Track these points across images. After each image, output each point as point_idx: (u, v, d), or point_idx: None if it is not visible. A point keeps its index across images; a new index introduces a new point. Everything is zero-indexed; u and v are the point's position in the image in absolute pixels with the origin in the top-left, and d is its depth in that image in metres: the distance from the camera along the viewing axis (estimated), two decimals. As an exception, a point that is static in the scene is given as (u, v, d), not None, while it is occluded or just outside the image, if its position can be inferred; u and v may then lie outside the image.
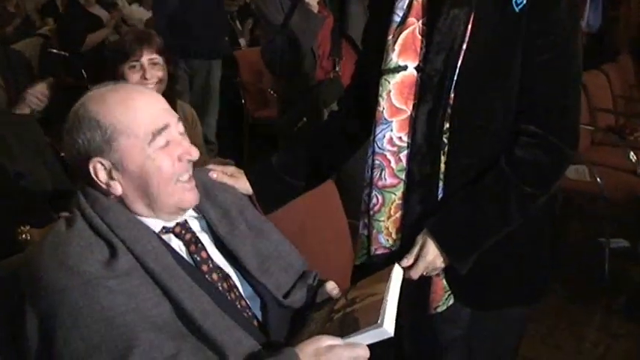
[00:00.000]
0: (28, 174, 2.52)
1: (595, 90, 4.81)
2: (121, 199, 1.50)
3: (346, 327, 1.41)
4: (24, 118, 2.92)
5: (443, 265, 1.72)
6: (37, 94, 3.26)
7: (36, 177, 2.55)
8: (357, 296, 1.51)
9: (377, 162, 1.79)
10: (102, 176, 1.48)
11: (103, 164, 1.47)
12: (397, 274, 1.52)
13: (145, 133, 1.47)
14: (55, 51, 6.38)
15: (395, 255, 1.76)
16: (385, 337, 1.36)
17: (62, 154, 2.90)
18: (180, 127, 1.56)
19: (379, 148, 1.77)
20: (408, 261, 1.70)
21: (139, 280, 1.41)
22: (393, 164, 1.76)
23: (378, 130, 1.77)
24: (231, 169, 1.89)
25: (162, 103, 1.55)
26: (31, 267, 1.43)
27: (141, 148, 1.47)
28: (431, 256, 1.69)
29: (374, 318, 1.37)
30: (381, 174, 1.78)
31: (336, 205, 2.59)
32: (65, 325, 1.35)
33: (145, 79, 2.71)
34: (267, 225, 1.74)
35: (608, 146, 4.61)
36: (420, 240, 1.71)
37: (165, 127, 1.50)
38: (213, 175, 1.76)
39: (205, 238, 1.61)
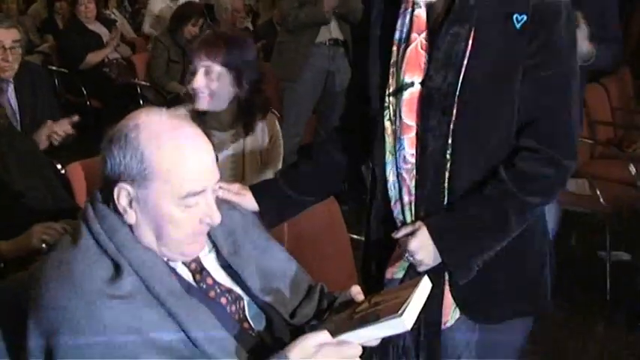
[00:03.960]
0: (27, 192, 2.51)
1: (594, 103, 4.82)
2: (130, 227, 1.48)
3: (365, 322, 1.42)
4: (22, 135, 2.92)
5: (430, 262, 1.73)
6: (60, 132, 3.30)
7: (35, 195, 2.54)
8: (381, 300, 1.52)
9: (397, 180, 1.81)
10: (122, 201, 1.46)
11: (128, 191, 1.45)
12: (425, 285, 1.53)
13: (181, 190, 1.44)
14: (54, 68, 6.39)
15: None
16: (401, 330, 1.38)
17: (62, 171, 2.90)
18: (216, 188, 1.54)
19: (397, 167, 1.79)
20: (396, 234, 1.75)
21: (143, 301, 1.41)
22: (408, 182, 1.78)
23: (396, 149, 1.78)
24: (236, 186, 1.91)
25: (210, 162, 1.51)
26: (34, 283, 1.43)
27: (170, 199, 1.44)
28: (417, 242, 1.71)
29: (395, 311, 1.38)
30: (400, 192, 1.80)
31: (337, 220, 2.60)
32: (67, 342, 1.35)
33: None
34: (273, 243, 1.74)
35: (608, 159, 4.61)
36: (415, 225, 1.74)
37: (201, 192, 1.47)
38: (219, 193, 1.75)
39: (211, 259, 1.61)
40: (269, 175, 2.61)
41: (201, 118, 2.48)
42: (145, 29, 7.51)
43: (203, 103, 2.48)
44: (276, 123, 2.73)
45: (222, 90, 2.48)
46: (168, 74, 5.52)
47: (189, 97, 2.52)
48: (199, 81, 2.45)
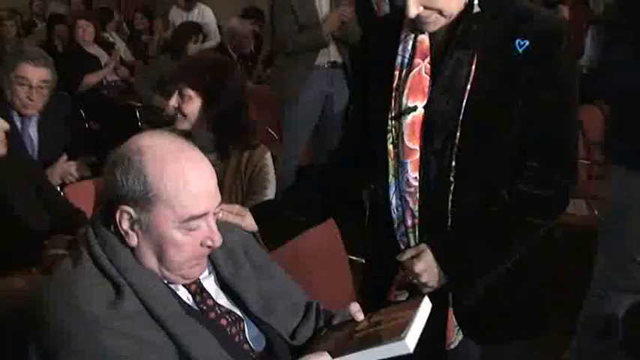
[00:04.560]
0: (26, 216, 2.51)
1: (590, 124, 4.84)
2: (132, 249, 1.49)
3: (367, 343, 1.43)
4: (23, 159, 2.89)
5: (434, 284, 1.75)
6: (75, 174, 3.30)
7: (34, 219, 2.53)
8: (382, 320, 1.53)
9: (400, 203, 1.82)
10: (124, 225, 1.47)
11: (130, 214, 1.46)
12: (426, 306, 1.53)
13: (184, 214, 1.46)
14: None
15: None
16: (404, 352, 1.39)
17: (62, 193, 2.90)
18: (217, 210, 1.56)
19: (400, 190, 1.80)
20: (401, 257, 1.78)
21: (143, 323, 1.41)
22: (411, 205, 1.79)
23: (399, 172, 1.80)
24: (236, 207, 1.93)
25: (212, 185, 1.53)
26: (35, 305, 1.43)
27: (172, 221, 1.45)
28: (422, 265, 1.73)
29: (398, 333, 1.39)
30: (404, 215, 1.81)
31: (336, 241, 2.60)
32: (67, 364, 1.35)
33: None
34: (272, 264, 1.75)
35: (606, 180, 4.62)
36: (419, 247, 1.76)
37: (203, 215, 1.49)
38: (219, 214, 1.76)
39: (211, 281, 1.62)
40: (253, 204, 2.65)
41: (187, 138, 2.53)
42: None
43: (180, 124, 2.62)
44: (266, 157, 2.75)
45: (193, 112, 2.60)
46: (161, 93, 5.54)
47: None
48: (172, 102, 2.60)
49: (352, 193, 2.10)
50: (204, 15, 7.49)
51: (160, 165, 1.45)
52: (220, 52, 6.44)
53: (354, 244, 2.65)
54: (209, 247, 1.52)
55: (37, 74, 3.37)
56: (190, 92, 2.58)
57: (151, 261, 1.49)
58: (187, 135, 2.53)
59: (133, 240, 1.47)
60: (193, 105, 2.59)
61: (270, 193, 2.70)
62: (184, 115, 2.61)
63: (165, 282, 1.52)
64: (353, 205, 2.10)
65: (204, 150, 2.51)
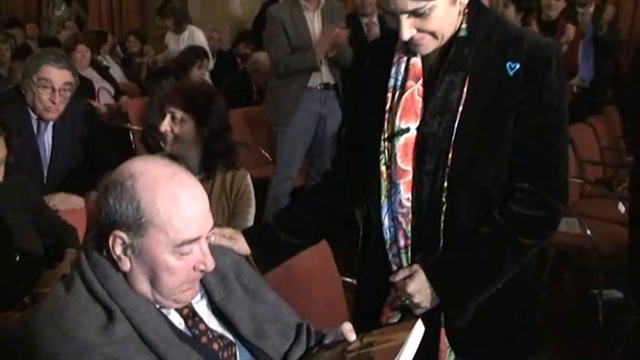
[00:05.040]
0: (19, 244, 2.49)
1: (582, 143, 4.88)
2: (124, 274, 1.49)
3: None
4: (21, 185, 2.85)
5: (427, 305, 1.76)
6: (73, 206, 3.23)
7: (28, 245, 2.51)
8: (374, 341, 1.53)
9: (392, 224, 1.83)
10: (117, 249, 1.47)
11: (123, 240, 1.46)
12: (418, 329, 1.54)
13: (176, 239, 1.46)
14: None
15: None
16: None
17: (57, 211, 2.88)
18: (209, 234, 1.57)
19: (393, 211, 1.81)
20: (393, 277, 1.78)
21: (135, 348, 1.42)
22: (404, 225, 1.80)
23: (391, 193, 1.81)
24: (229, 230, 1.92)
25: (205, 209, 1.53)
26: (26, 330, 1.44)
27: (165, 246, 1.46)
28: (415, 286, 1.74)
29: (391, 356, 1.39)
30: (396, 235, 1.82)
31: (329, 262, 2.60)
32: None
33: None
34: (264, 287, 1.75)
35: (597, 198, 4.65)
36: (412, 268, 1.77)
37: (196, 239, 1.49)
38: (211, 238, 1.76)
39: (203, 305, 1.62)
40: (238, 222, 2.78)
41: (176, 160, 2.60)
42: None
43: (171, 147, 2.76)
44: (247, 178, 2.92)
45: (186, 134, 2.74)
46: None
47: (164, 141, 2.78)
48: (165, 125, 2.74)
49: (345, 214, 2.10)
50: (194, 37, 7.52)
51: (152, 190, 1.46)
52: (242, 79, 6.49)
53: (347, 264, 2.65)
54: (202, 271, 1.52)
55: (60, 76, 3.29)
56: (183, 115, 2.73)
57: (143, 286, 1.49)
58: (177, 157, 2.66)
59: (126, 265, 1.48)
60: (185, 127, 2.74)
61: (252, 212, 2.89)
62: (176, 137, 2.74)
63: (158, 307, 1.52)
64: (346, 226, 2.11)
65: (192, 171, 2.60)
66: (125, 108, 6.33)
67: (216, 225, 2.49)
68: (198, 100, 2.75)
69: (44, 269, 2.47)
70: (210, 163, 2.80)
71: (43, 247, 2.53)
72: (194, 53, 6.03)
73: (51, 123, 3.41)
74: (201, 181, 2.53)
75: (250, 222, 2.86)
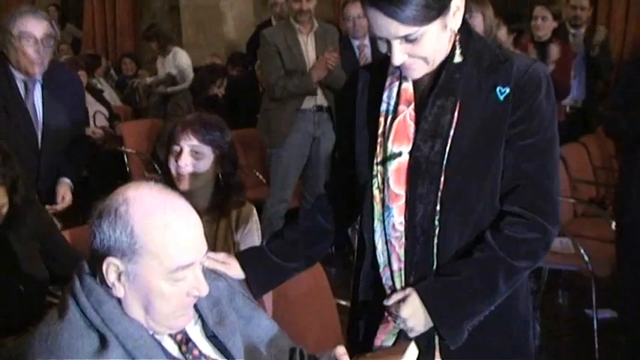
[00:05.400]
0: (25, 271, 2.47)
1: (575, 162, 4.90)
2: (118, 300, 1.50)
3: None
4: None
5: (421, 328, 1.76)
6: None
7: (35, 274, 2.50)
8: None
9: (385, 247, 1.83)
10: (111, 276, 1.47)
11: (117, 266, 1.46)
12: (412, 352, 1.54)
13: (171, 264, 1.46)
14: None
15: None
16: None
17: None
18: (203, 260, 1.57)
19: (386, 234, 1.82)
20: (387, 301, 1.78)
21: None
22: (397, 249, 1.81)
23: (384, 217, 1.81)
24: (222, 255, 1.92)
25: (199, 235, 1.54)
26: (21, 356, 1.44)
27: (159, 273, 1.46)
28: (409, 309, 1.74)
29: None
30: (389, 259, 1.83)
31: (323, 284, 2.61)
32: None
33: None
34: (258, 311, 1.75)
35: (591, 217, 4.66)
36: (405, 291, 1.77)
37: (189, 265, 1.50)
38: (205, 263, 1.75)
39: (197, 330, 1.62)
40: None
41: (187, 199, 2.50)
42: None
43: (187, 184, 2.50)
44: (254, 214, 2.72)
45: (206, 169, 2.51)
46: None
47: (170, 180, 2.52)
48: (185, 160, 2.48)
49: (339, 236, 2.11)
50: (177, 58, 7.59)
51: (146, 216, 1.46)
52: (250, 79, 6.47)
53: (341, 286, 2.66)
54: (196, 296, 1.53)
55: (40, 27, 3.25)
56: (204, 148, 2.50)
57: (137, 312, 1.49)
58: (188, 195, 2.52)
59: (120, 291, 1.48)
60: (207, 161, 2.51)
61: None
62: (195, 174, 2.50)
63: (151, 333, 1.52)
64: (340, 246, 2.13)
65: (201, 210, 2.52)
66: (120, 131, 6.35)
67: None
68: (216, 132, 2.53)
69: (51, 299, 2.46)
70: (222, 201, 2.59)
71: (50, 275, 2.51)
72: (214, 72, 6.04)
73: (38, 84, 3.37)
74: (210, 222, 2.53)
75: None
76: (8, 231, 2.34)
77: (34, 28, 3.24)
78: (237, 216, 2.64)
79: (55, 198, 3.46)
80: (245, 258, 1.94)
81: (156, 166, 5.46)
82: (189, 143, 2.48)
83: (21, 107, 3.34)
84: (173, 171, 2.51)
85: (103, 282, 1.49)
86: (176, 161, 2.48)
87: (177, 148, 2.49)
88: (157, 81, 7.62)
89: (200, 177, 2.51)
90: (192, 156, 2.48)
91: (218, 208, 2.59)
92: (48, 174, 3.47)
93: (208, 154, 2.50)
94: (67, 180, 3.52)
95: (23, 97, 3.35)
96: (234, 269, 1.89)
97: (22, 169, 2.35)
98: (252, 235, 2.65)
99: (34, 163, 3.37)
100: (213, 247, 2.52)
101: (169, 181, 2.51)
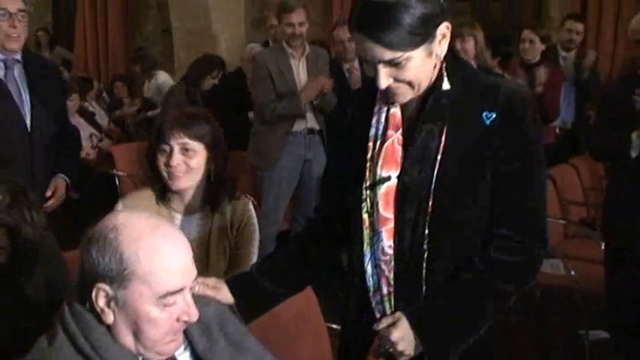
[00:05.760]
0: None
1: (565, 184, 4.92)
2: (108, 326, 1.50)
3: None
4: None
5: (411, 353, 1.76)
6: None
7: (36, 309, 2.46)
8: None
9: (375, 271, 1.84)
10: (100, 302, 1.48)
11: (106, 292, 1.47)
12: None
13: (160, 290, 1.47)
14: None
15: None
16: None
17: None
18: (193, 285, 1.57)
19: (375, 258, 1.83)
20: (377, 326, 1.78)
21: None
22: (387, 273, 1.82)
23: (374, 241, 1.82)
24: (212, 280, 1.93)
25: (188, 260, 1.55)
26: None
27: (148, 298, 1.47)
28: (399, 333, 1.74)
29: None
30: (379, 283, 1.84)
31: (314, 308, 2.60)
32: None
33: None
34: (248, 337, 1.75)
35: (582, 238, 4.68)
36: (395, 316, 1.78)
37: (179, 290, 1.51)
38: (195, 288, 1.76)
39: (186, 356, 1.62)
40: (242, 257, 2.58)
41: (165, 201, 2.50)
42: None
43: (181, 183, 2.44)
44: (250, 208, 2.64)
45: (199, 167, 2.45)
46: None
47: (157, 180, 2.48)
48: (177, 159, 2.41)
49: (330, 260, 2.11)
50: (158, 79, 7.70)
51: (135, 241, 1.47)
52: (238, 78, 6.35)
53: (332, 310, 2.65)
54: (185, 322, 1.53)
55: (12, 2, 3.28)
56: (195, 145, 2.43)
57: (126, 338, 1.49)
58: (168, 197, 2.50)
59: (109, 317, 1.48)
60: (200, 158, 2.45)
61: (256, 244, 2.64)
62: (188, 171, 2.44)
63: (141, 359, 1.52)
64: (331, 270, 2.11)
65: (193, 210, 2.53)
66: (108, 148, 6.36)
67: (218, 266, 2.47)
68: (204, 126, 2.46)
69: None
70: (215, 197, 2.52)
71: (50, 303, 2.47)
72: (210, 62, 5.94)
73: (18, 65, 3.38)
74: (204, 219, 2.52)
75: (255, 256, 2.64)
76: (18, 275, 2.22)
77: (8, 3, 3.27)
78: (233, 211, 2.58)
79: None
80: (235, 283, 1.94)
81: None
82: (178, 141, 2.41)
83: (1, 87, 3.31)
84: (164, 172, 2.44)
85: (92, 308, 1.49)
86: (168, 161, 2.42)
87: (166, 147, 2.42)
88: (137, 110, 7.71)
89: (193, 175, 2.45)
90: (183, 154, 2.42)
91: (210, 205, 2.54)
92: (42, 164, 3.44)
93: (199, 150, 2.44)
94: (62, 175, 3.51)
95: (2, 77, 3.33)
96: (224, 294, 1.89)
97: (35, 202, 2.24)
98: (248, 232, 2.60)
99: (27, 149, 3.35)
100: (207, 244, 2.53)
101: (159, 181, 2.48)
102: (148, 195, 2.53)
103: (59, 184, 3.50)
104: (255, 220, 2.65)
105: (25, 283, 2.30)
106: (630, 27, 3.47)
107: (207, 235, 2.53)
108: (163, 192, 2.50)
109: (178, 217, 2.53)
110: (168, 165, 2.41)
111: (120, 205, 2.52)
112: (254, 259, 2.61)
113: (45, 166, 3.45)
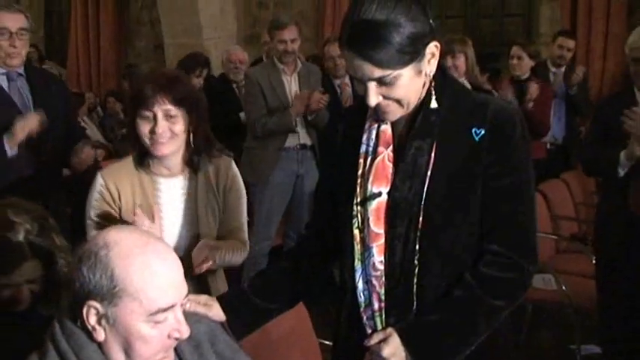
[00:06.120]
0: None
1: (556, 199, 4.94)
2: (99, 344, 1.50)
3: None
4: None
5: None
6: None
7: None
8: None
9: (366, 287, 1.84)
10: (91, 319, 1.48)
11: (97, 310, 1.47)
12: None
13: (151, 307, 1.47)
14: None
15: None
16: None
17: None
18: (184, 302, 1.58)
19: (366, 274, 1.83)
20: (368, 342, 1.78)
21: None
22: (378, 288, 1.82)
23: (365, 256, 1.83)
24: (204, 297, 1.93)
25: (179, 277, 1.55)
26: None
27: (139, 315, 1.47)
28: (390, 349, 1.74)
29: None
30: (370, 298, 1.84)
31: (305, 324, 2.61)
32: None
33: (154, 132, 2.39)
34: (239, 354, 1.76)
35: (573, 254, 4.70)
36: (386, 331, 1.77)
37: (170, 307, 1.51)
38: (186, 305, 1.76)
39: None
40: (232, 218, 2.60)
41: (144, 166, 2.50)
42: None
43: (165, 149, 2.42)
44: (233, 166, 2.63)
45: (182, 132, 2.43)
46: None
47: (139, 145, 2.46)
48: (162, 125, 2.38)
49: (322, 275, 2.11)
50: None
51: (126, 258, 1.47)
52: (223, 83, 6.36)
53: (324, 326, 2.65)
54: (176, 339, 1.53)
55: (14, 20, 3.31)
56: (178, 111, 2.39)
57: (118, 356, 1.50)
58: (147, 162, 2.49)
59: (100, 335, 1.48)
60: (183, 122, 2.42)
61: (244, 203, 2.64)
62: (172, 137, 2.41)
63: None
64: (324, 289, 2.11)
65: (176, 172, 2.51)
66: (100, 157, 6.35)
67: (209, 226, 2.47)
68: (185, 89, 2.43)
69: None
70: (195, 158, 2.50)
71: None
72: (195, 60, 5.93)
73: (22, 78, 3.41)
74: (187, 180, 2.50)
75: (244, 216, 2.64)
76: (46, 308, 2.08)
77: (9, 21, 3.31)
78: (215, 170, 2.57)
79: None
80: (226, 300, 1.94)
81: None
82: (162, 107, 2.37)
83: (4, 98, 3.34)
84: (147, 139, 2.41)
85: (83, 326, 1.49)
86: (152, 128, 2.38)
87: (148, 114, 2.38)
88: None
89: (177, 140, 2.43)
90: (167, 120, 2.39)
91: (191, 166, 2.53)
92: (52, 172, 3.49)
93: (182, 115, 2.42)
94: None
95: (6, 88, 3.37)
96: (215, 311, 1.89)
97: (57, 226, 2.16)
98: (235, 191, 2.60)
99: (37, 157, 3.37)
100: (195, 203, 2.53)
101: (138, 147, 2.47)
102: (126, 162, 2.54)
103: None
104: (239, 178, 2.64)
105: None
106: (628, 44, 3.45)
107: (194, 194, 2.53)
108: (142, 157, 2.49)
109: (160, 180, 2.52)
110: (153, 132, 2.38)
111: (100, 179, 2.49)
112: (244, 221, 2.64)
113: (53, 174, 3.52)
